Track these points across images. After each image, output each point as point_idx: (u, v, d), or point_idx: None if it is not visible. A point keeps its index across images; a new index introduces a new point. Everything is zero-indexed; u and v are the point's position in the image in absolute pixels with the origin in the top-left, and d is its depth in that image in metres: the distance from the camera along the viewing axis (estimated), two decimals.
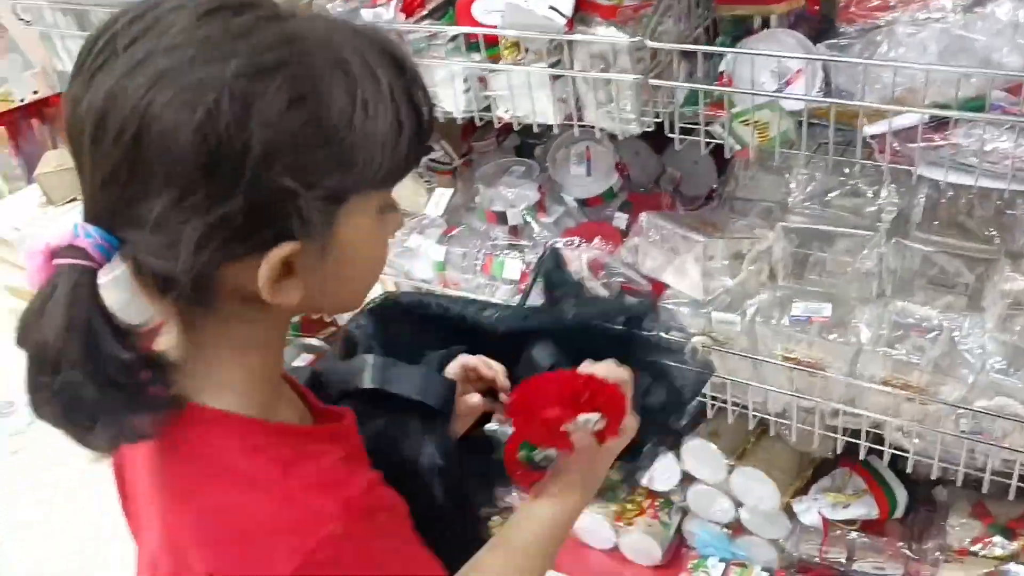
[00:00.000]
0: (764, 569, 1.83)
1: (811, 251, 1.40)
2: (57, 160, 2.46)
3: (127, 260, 0.70)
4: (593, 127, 1.43)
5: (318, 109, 0.65)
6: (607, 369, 0.90)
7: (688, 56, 1.35)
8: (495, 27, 1.39)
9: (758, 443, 1.80)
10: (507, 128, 1.81)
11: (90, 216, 0.67)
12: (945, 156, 1.17)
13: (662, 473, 1.88)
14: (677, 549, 1.96)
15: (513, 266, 1.64)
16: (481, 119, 1.52)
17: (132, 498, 0.86)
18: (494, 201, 1.70)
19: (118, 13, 0.67)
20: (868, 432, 1.43)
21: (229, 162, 0.63)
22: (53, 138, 3.02)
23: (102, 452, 0.73)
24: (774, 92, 1.24)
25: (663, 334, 1.06)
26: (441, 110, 1.54)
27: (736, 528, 1.88)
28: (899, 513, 1.70)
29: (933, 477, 1.41)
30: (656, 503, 1.96)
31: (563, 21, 1.31)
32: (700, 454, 1.80)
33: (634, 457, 1.03)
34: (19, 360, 0.68)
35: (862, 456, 1.45)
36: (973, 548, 1.58)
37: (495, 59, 1.44)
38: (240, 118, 0.62)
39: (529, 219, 1.67)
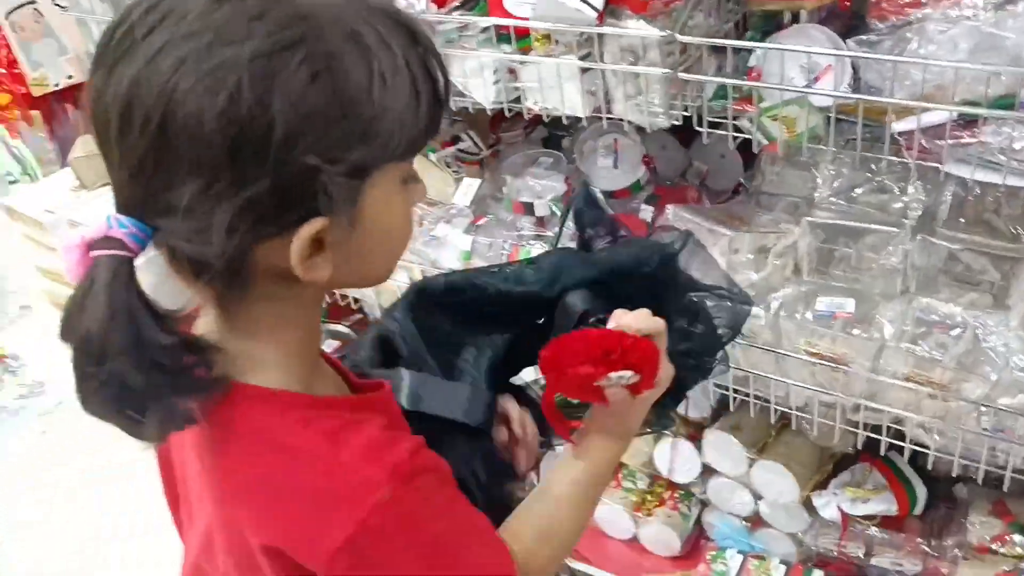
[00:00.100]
0: (782, 562, 1.83)
1: (836, 247, 1.41)
2: (90, 145, 2.49)
3: (161, 247, 0.72)
4: (621, 120, 1.44)
5: (337, 84, 0.66)
6: (640, 320, 0.88)
7: (717, 50, 1.35)
8: (526, 19, 1.40)
9: (779, 437, 1.81)
10: (535, 119, 1.83)
11: (122, 206, 0.69)
12: (973, 154, 1.17)
13: (683, 465, 1.90)
14: (696, 541, 1.97)
15: None
16: (510, 110, 1.54)
17: (182, 480, 0.88)
18: (521, 192, 1.72)
19: (132, 4, 0.68)
20: (889, 428, 1.43)
21: (254, 144, 0.64)
22: (86, 123, 3.06)
23: (153, 441, 0.74)
24: (803, 88, 1.25)
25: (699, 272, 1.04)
26: (470, 101, 1.56)
27: (755, 521, 1.89)
28: (919, 510, 1.71)
29: (954, 474, 1.41)
30: (676, 495, 1.97)
31: (594, 14, 1.32)
32: (721, 447, 1.81)
33: (674, 400, 1.04)
34: (50, 343, 0.70)
35: (882, 452, 1.46)
36: (993, 546, 1.59)
37: (525, 51, 1.45)
38: (262, 99, 0.64)
39: (556, 210, 1.68)
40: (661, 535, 1.94)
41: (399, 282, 1.85)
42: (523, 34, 1.44)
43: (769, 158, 1.59)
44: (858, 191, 1.40)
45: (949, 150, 1.17)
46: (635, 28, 1.32)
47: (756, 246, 1.47)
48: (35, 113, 2.99)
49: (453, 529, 0.81)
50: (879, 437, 1.43)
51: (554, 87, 1.44)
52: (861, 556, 1.77)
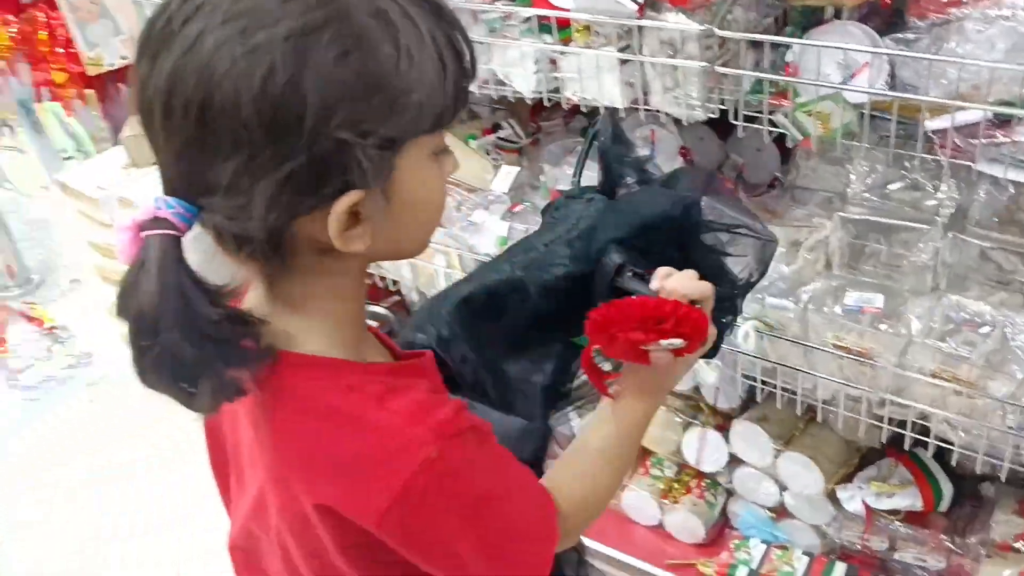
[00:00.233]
0: (805, 553, 1.85)
1: (868, 242, 1.42)
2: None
3: (208, 226, 0.76)
4: (658, 112, 1.46)
5: (365, 60, 0.69)
6: (689, 286, 0.90)
7: (755, 45, 1.37)
8: (568, 10, 1.43)
9: (806, 430, 1.82)
10: (575, 109, 1.86)
11: (168, 188, 0.73)
12: (1006, 153, 1.19)
13: (710, 454, 1.92)
14: (721, 529, 1.99)
15: None
16: (550, 100, 1.57)
17: (234, 449, 0.92)
18: (559, 180, 1.74)
19: None
20: (914, 424, 1.45)
21: (289, 121, 0.68)
22: (133, 110, 3.14)
23: (205, 412, 0.80)
24: (838, 84, 1.27)
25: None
26: (511, 89, 1.59)
27: (780, 512, 1.91)
28: (944, 506, 1.72)
29: (978, 471, 1.42)
30: (703, 483, 2.00)
31: (634, 7, 1.35)
32: (749, 437, 1.83)
33: (713, 351, 1.04)
34: (98, 316, 0.75)
35: (907, 447, 1.47)
36: (1016, 544, 1.60)
37: (566, 41, 1.48)
38: (294, 78, 0.67)
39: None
40: (687, 522, 1.97)
41: (436, 265, 1.90)
42: (564, 25, 1.47)
43: (804, 153, 1.61)
44: (891, 188, 1.41)
45: (982, 149, 1.19)
46: (674, 22, 1.35)
47: (789, 240, 1.49)
48: (89, 92, 3.07)
49: (498, 483, 0.85)
50: (904, 432, 1.45)
51: (593, 78, 1.47)
52: (884, 550, 1.78)
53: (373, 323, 2.39)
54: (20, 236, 3.43)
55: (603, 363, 0.95)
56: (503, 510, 0.85)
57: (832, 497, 1.79)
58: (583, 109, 1.56)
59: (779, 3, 1.47)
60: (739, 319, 1.46)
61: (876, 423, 1.48)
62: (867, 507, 1.73)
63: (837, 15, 1.43)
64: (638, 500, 2.03)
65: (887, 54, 1.22)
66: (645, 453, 2.08)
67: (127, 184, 2.29)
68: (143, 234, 0.71)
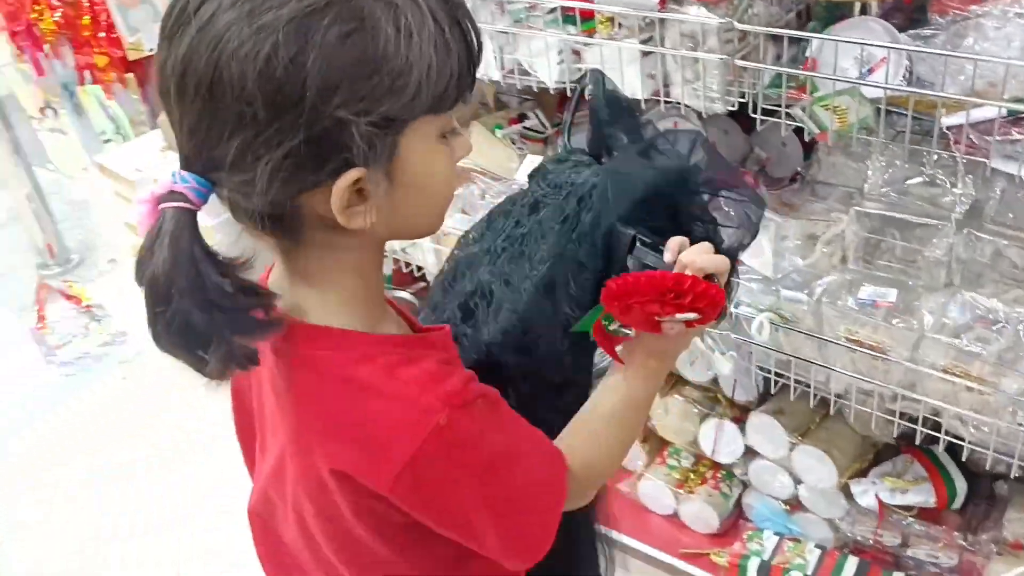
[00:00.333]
0: (817, 546, 1.86)
1: (883, 237, 1.43)
2: None
3: (225, 201, 0.80)
4: (679, 104, 1.48)
5: (366, 41, 0.71)
6: (706, 260, 0.91)
7: (777, 39, 1.39)
8: (592, 2, 1.45)
9: (822, 424, 1.83)
10: None
11: (184, 163, 0.77)
12: (1022, 151, 1.19)
13: (726, 446, 1.94)
14: (735, 521, 2.01)
15: None
16: (573, 90, 1.59)
17: (259, 416, 0.96)
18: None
19: None
20: (926, 419, 1.46)
21: (290, 100, 0.70)
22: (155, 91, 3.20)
23: (215, 378, 0.81)
24: (855, 79, 1.28)
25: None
26: (535, 79, 1.61)
27: (794, 505, 1.92)
28: (957, 504, 1.72)
29: (988, 468, 1.43)
30: (719, 474, 2.01)
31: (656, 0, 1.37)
32: (764, 430, 1.85)
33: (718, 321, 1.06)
34: (133, 294, 0.79)
35: (918, 442, 1.48)
36: None
37: (590, 33, 1.50)
38: (296, 58, 0.70)
39: None
40: (701, 513, 1.99)
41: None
42: (588, 16, 1.49)
43: (826, 148, 1.62)
44: (908, 183, 1.42)
45: (997, 146, 1.19)
46: (695, 15, 1.36)
47: (806, 233, 1.50)
48: (129, 76, 3.14)
49: (508, 448, 0.88)
50: (915, 427, 1.46)
51: (615, 69, 1.49)
52: (897, 546, 1.79)
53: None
54: (61, 217, 3.52)
55: (616, 330, 0.96)
56: (513, 475, 0.89)
57: (846, 491, 1.80)
58: None
59: None
60: (754, 310, 1.48)
61: (888, 417, 1.49)
62: (880, 502, 1.74)
63: (864, 10, 1.44)
64: (654, 489, 2.05)
65: (902, 49, 1.23)
66: (663, 443, 2.10)
67: (164, 166, 2.36)
68: (160, 206, 0.75)
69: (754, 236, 1.06)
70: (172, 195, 0.75)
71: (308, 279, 0.85)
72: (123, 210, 2.53)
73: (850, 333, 1.41)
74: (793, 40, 1.36)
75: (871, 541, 1.80)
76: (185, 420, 2.64)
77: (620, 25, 1.47)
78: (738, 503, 2.01)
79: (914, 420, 1.46)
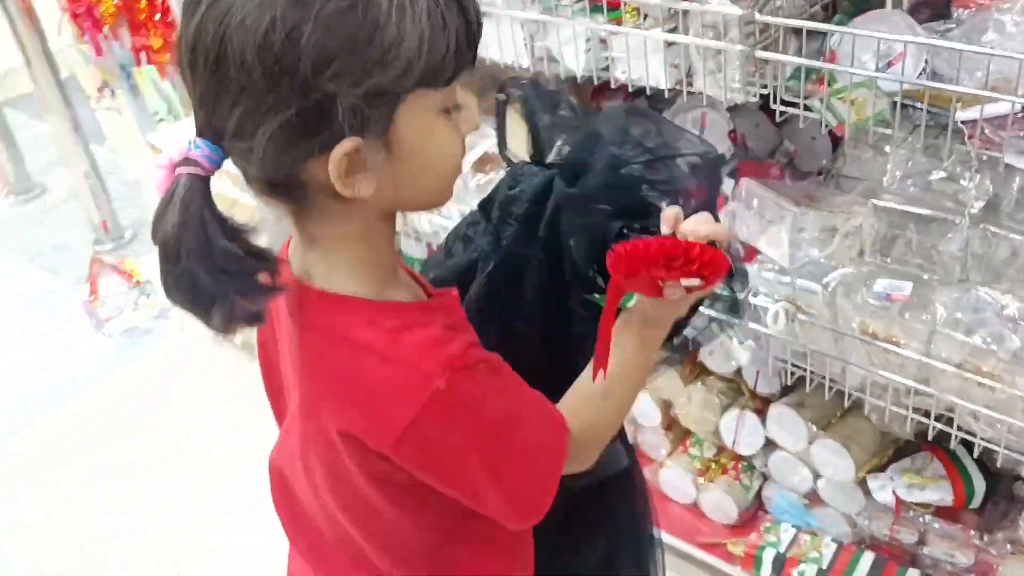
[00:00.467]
0: (834, 540, 1.86)
1: (902, 231, 1.43)
2: None
3: (239, 168, 0.84)
4: (700, 93, 1.50)
5: (361, 14, 0.75)
6: (706, 227, 0.93)
7: (800, 32, 1.39)
8: None
9: (843, 419, 1.84)
10: (638, 91, 1.89)
11: (198, 132, 0.81)
12: None
13: (747, 437, 1.95)
14: (755, 512, 2.02)
15: None
16: (599, 79, 1.62)
17: (285, 374, 1.00)
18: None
19: None
20: (941, 415, 1.45)
21: (286, 71, 0.74)
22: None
23: (220, 332, 0.84)
24: (872, 71, 1.28)
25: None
26: (563, 68, 1.64)
27: (813, 498, 1.92)
28: (975, 503, 1.71)
29: (999, 465, 1.42)
30: (740, 466, 2.03)
31: None
32: (784, 422, 1.86)
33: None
34: None
35: (930, 437, 1.48)
36: None
37: (616, 22, 1.52)
38: (293, 31, 0.74)
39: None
40: (721, 503, 2.00)
41: None
42: (614, 6, 1.51)
43: (852, 142, 1.62)
44: (928, 178, 1.42)
45: (1011, 141, 1.19)
46: (717, 6, 1.38)
47: (825, 226, 1.51)
48: None
49: (509, 412, 0.92)
50: (928, 421, 1.46)
51: (640, 59, 1.51)
52: (914, 543, 1.78)
53: None
54: (116, 195, 3.64)
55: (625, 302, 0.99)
56: (514, 438, 0.92)
57: (864, 487, 1.80)
58: (648, 92, 1.59)
59: None
60: (771, 300, 1.50)
61: (901, 411, 1.49)
62: (897, 498, 1.74)
63: (898, 2, 1.44)
64: (675, 477, 2.07)
65: (916, 43, 1.23)
66: (686, 432, 2.12)
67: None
68: (176, 171, 0.80)
69: (718, 186, 1.09)
70: (187, 161, 0.79)
71: (318, 245, 0.90)
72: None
73: (864, 326, 1.41)
74: (817, 33, 1.37)
75: (888, 538, 1.80)
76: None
77: (646, 16, 1.49)
78: (758, 495, 2.02)
79: (928, 415, 1.46)
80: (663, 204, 1.03)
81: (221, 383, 2.76)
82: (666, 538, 2.01)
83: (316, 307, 0.90)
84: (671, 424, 2.12)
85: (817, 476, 1.87)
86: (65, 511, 2.46)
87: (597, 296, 1.04)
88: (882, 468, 1.79)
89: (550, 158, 1.17)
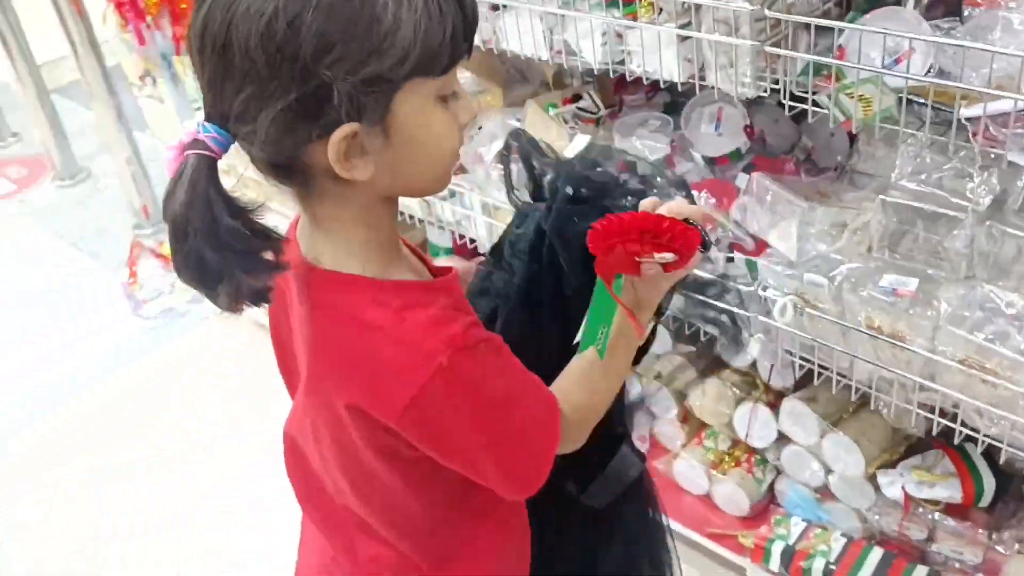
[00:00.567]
0: (843, 535, 1.87)
1: (911, 228, 1.44)
2: None
3: (245, 151, 0.89)
4: (713, 87, 1.52)
5: (358, 4, 0.79)
6: (683, 206, 0.98)
7: (813, 27, 1.41)
8: None
9: (855, 415, 1.85)
10: (657, 85, 1.91)
11: (207, 116, 0.86)
12: None
13: (760, 430, 1.96)
14: (766, 505, 2.03)
15: None
16: (615, 72, 1.64)
17: (296, 351, 1.04)
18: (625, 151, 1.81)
19: None
20: (947, 412, 1.46)
21: (287, 59, 0.79)
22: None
23: (226, 310, 0.90)
24: (880, 68, 1.29)
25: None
26: (580, 60, 1.67)
27: (825, 493, 1.93)
28: (985, 502, 1.72)
29: (1000, 461, 1.43)
30: (753, 459, 2.04)
31: None
32: (796, 416, 1.87)
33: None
34: None
35: (934, 432, 1.49)
36: None
37: (632, 17, 1.55)
38: (294, 21, 0.78)
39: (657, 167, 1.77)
40: (733, 495, 2.02)
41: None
42: (630, 1, 1.53)
43: (866, 138, 1.63)
44: (936, 174, 1.42)
45: (1014, 139, 1.20)
46: (729, 1, 1.40)
47: (835, 221, 1.52)
48: None
49: (507, 390, 0.96)
50: (932, 417, 1.47)
51: (654, 52, 1.53)
52: (923, 540, 1.79)
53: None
54: (157, 181, 3.72)
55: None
56: (511, 415, 0.97)
57: (875, 483, 1.81)
58: (664, 86, 1.61)
59: None
60: (779, 292, 1.51)
61: (907, 406, 1.50)
62: (906, 494, 1.75)
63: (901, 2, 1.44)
64: (689, 469, 2.09)
65: (922, 40, 1.24)
66: (701, 424, 2.14)
67: None
68: (186, 153, 0.84)
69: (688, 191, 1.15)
70: (195, 143, 0.84)
71: (322, 227, 0.94)
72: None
73: (869, 320, 1.42)
74: (829, 29, 1.38)
75: (897, 534, 1.81)
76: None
77: (660, 10, 1.51)
78: (771, 489, 2.04)
79: (933, 411, 1.47)
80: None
81: (222, 383, 2.80)
82: (678, 528, 2.04)
83: (323, 286, 0.94)
84: (687, 416, 2.14)
85: (828, 471, 1.88)
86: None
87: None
88: (893, 464, 1.80)
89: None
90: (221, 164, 0.85)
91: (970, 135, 1.24)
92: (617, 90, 2.13)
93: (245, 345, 2.86)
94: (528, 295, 1.19)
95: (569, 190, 1.16)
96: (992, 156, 1.28)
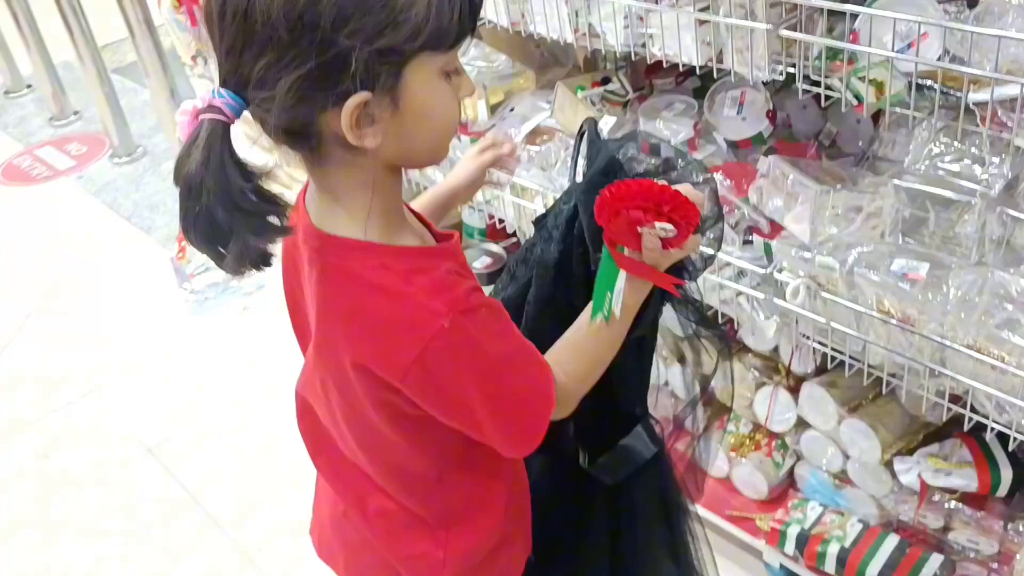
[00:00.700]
0: (860, 521, 1.88)
1: (924, 212, 1.44)
2: None
3: (256, 117, 0.93)
4: (729, 71, 1.53)
5: None
6: (687, 190, 1.02)
7: (830, 12, 1.41)
8: None
9: (874, 401, 1.85)
10: (690, 71, 1.92)
11: (222, 82, 0.90)
12: None
13: (779, 414, 1.97)
14: (785, 489, 2.04)
15: None
16: (636, 54, 1.66)
17: (308, 313, 1.09)
18: (650, 133, 1.83)
19: None
20: (958, 398, 1.46)
21: (308, 28, 0.83)
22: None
23: (232, 272, 0.95)
24: (891, 52, 1.30)
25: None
26: (604, 43, 1.69)
27: (843, 479, 1.94)
28: (1001, 492, 1.70)
29: (1009, 449, 1.42)
30: (773, 443, 2.05)
31: None
32: (815, 401, 1.88)
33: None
34: None
35: (944, 418, 1.49)
36: None
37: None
38: None
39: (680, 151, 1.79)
40: (751, 478, 2.03)
41: (536, 205, 2.03)
42: None
43: (887, 123, 1.63)
44: (949, 159, 1.42)
45: (1022, 124, 1.19)
46: None
47: (851, 205, 1.52)
48: None
49: (504, 353, 1.01)
50: (942, 402, 1.47)
51: (673, 35, 1.55)
52: (940, 528, 1.79)
53: (488, 259, 2.56)
54: None
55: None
56: (509, 376, 1.02)
57: (892, 469, 1.81)
58: (694, 69, 1.62)
59: None
60: (792, 275, 1.53)
61: (918, 391, 1.50)
62: (923, 482, 1.74)
63: None
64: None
65: (931, 24, 1.24)
66: (724, 409, 2.14)
67: None
68: (200, 117, 0.89)
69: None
70: (210, 108, 0.89)
71: (331, 194, 0.99)
72: (250, 151, 2.74)
73: (880, 304, 1.43)
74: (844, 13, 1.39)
75: (914, 522, 1.81)
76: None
77: None
78: (790, 473, 2.04)
79: (953, 400, 1.47)
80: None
81: (261, 353, 2.86)
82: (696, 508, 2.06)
83: (332, 251, 0.99)
84: (709, 399, 2.15)
85: (846, 456, 1.89)
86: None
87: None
88: (910, 452, 1.79)
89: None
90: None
91: (978, 120, 1.23)
92: (648, 74, 2.14)
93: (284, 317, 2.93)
94: (561, 265, 1.22)
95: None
96: (993, 140, 1.28)
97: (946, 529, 1.79)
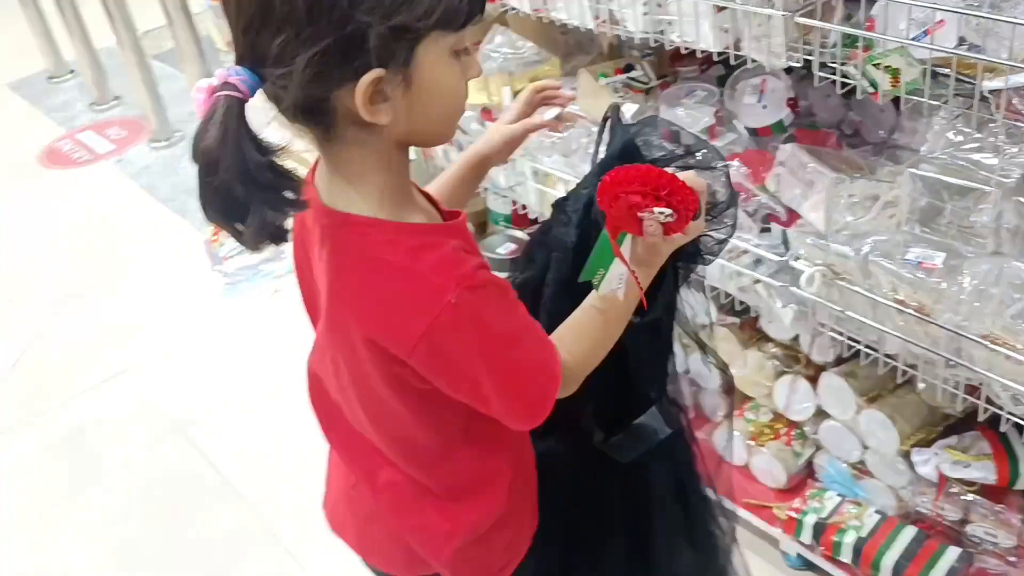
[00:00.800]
0: (877, 512, 1.87)
1: (941, 201, 1.43)
2: None
3: (270, 95, 0.95)
4: (745, 57, 1.53)
5: None
6: (688, 176, 1.02)
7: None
8: None
9: (893, 392, 1.84)
10: (710, 58, 1.92)
11: (238, 59, 0.92)
12: None
13: (798, 403, 1.97)
14: (804, 479, 2.04)
15: None
16: (655, 41, 1.66)
17: (319, 290, 1.11)
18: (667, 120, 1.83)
19: None
20: (973, 389, 1.45)
21: (327, 4, 0.85)
22: None
23: (250, 248, 0.96)
24: (908, 39, 1.29)
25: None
26: (623, 29, 1.70)
27: (862, 470, 1.93)
28: (1020, 485, 1.69)
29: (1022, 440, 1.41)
30: (792, 432, 2.05)
31: None
32: (834, 391, 1.87)
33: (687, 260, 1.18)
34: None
35: (959, 408, 1.48)
36: None
37: None
38: None
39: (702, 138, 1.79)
40: (769, 466, 2.03)
41: (557, 191, 2.04)
42: None
43: (908, 113, 1.61)
44: (966, 148, 1.41)
45: None
46: None
47: (869, 194, 1.52)
48: None
49: (510, 329, 1.03)
50: (958, 393, 1.46)
51: (691, 22, 1.55)
52: (958, 521, 1.77)
53: (512, 245, 2.57)
54: None
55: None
56: (513, 352, 1.03)
57: (909, 460, 1.80)
58: (719, 59, 1.62)
59: None
60: (808, 263, 1.53)
61: (933, 381, 1.49)
62: (941, 475, 1.73)
63: None
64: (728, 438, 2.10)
65: (946, 11, 1.23)
66: (744, 397, 2.15)
67: None
68: (216, 95, 0.91)
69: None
70: (225, 85, 0.90)
71: (341, 171, 1.01)
72: (279, 137, 2.78)
73: (895, 293, 1.42)
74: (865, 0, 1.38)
75: (933, 513, 1.80)
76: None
77: None
78: (809, 463, 2.04)
79: (970, 391, 1.46)
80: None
81: (291, 335, 2.89)
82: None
83: (342, 228, 1.01)
84: (729, 388, 2.15)
85: (865, 447, 1.88)
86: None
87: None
88: (929, 443, 1.78)
89: None
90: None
91: (992, 108, 1.22)
92: (673, 63, 2.14)
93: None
94: (579, 248, 1.23)
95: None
96: (1020, 130, 1.27)
97: (964, 522, 1.77)
